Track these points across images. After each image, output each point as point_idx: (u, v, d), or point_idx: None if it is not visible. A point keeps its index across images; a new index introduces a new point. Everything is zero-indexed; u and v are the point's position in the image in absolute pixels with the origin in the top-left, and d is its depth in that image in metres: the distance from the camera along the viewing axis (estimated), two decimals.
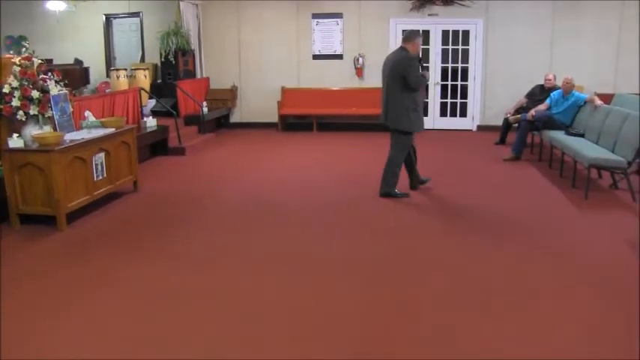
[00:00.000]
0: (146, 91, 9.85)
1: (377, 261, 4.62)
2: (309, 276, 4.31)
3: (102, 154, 6.06)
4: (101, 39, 12.86)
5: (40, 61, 5.72)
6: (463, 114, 11.52)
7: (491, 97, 11.31)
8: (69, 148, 5.48)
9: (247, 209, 6.14)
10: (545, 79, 9.47)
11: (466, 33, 11.20)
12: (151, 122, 8.92)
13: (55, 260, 4.68)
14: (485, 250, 4.81)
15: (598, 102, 7.62)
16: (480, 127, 11.42)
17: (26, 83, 5.41)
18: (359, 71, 11.57)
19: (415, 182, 6.77)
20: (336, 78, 11.67)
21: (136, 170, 6.78)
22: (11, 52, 6.14)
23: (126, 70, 11.11)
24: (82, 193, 5.72)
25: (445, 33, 11.26)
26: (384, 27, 11.38)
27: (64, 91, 5.93)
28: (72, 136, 5.78)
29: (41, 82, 5.57)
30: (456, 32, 11.24)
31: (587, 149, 6.64)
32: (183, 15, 11.28)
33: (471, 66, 11.32)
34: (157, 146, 9.07)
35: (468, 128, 11.47)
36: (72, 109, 6.13)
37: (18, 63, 5.49)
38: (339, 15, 11.51)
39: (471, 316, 3.62)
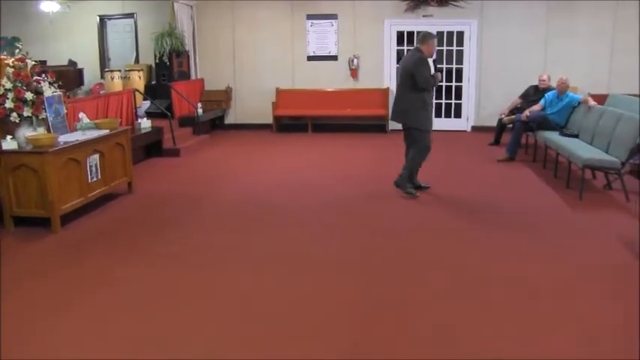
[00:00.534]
0: (140, 93, 9.83)
1: (374, 260, 4.62)
2: (308, 275, 4.31)
3: (96, 156, 6.04)
4: (95, 40, 12.81)
5: (33, 63, 5.71)
6: (457, 115, 11.54)
7: (486, 98, 11.34)
8: (63, 149, 5.46)
9: (243, 210, 6.14)
10: (540, 80, 9.50)
11: (460, 34, 11.22)
12: (145, 124, 8.89)
13: (50, 261, 4.66)
14: (480, 251, 4.82)
15: (592, 102, 7.64)
16: (475, 128, 11.44)
17: (20, 85, 5.39)
18: (354, 72, 11.58)
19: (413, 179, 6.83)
20: (331, 79, 11.68)
21: (130, 172, 6.77)
22: (4, 53, 6.10)
23: (120, 71, 11.07)
24: (76, 195, 5.70)
25: (439, 34, 11.25)
26: (378, 28, 11.39)
27: (58, 92, 5.92)
28: (66, 138, 5.76)
29: (35, 83, 5.55)
30: (450, 33, 11.26)
31: (581, 150, 6.66)
32: (178, 16, 11.27)
33: (465, 67, 11.34)
34: (151, 148, 9.05)
35: (463, 129, 11.49)
36: (66, 111, 6.12)
37: (11, 64, 5.47)
38: (333, 16, 11.51)
39: (470, 315, 3.63)
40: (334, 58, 11.67)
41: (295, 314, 3.69)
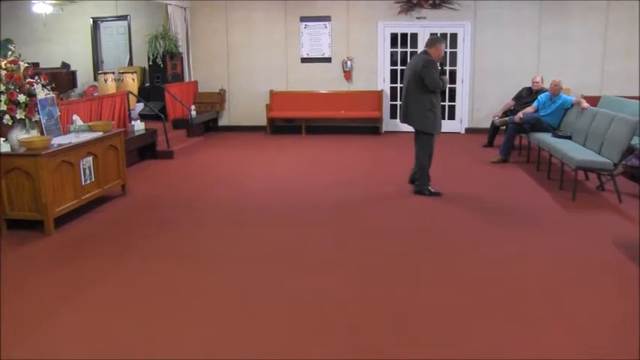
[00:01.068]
0: (134, 95, 9.81)
1: (370, 260, 4.62)
2: (303, 276, 4.32)
3: (90, 158, 6.03)
4: (89, 42, 12.79)
5: (26, 65, 5.68)
6: (451, 117, 11.56)
7: (480, 100, 11.37)
8: (56, 152, 5.44)
9: (238, 211, 6.13)
10: (533, 82, 9.54)
11: (454, 36, 11.25)
12: (139, 126, 8.89)
13: (44, 264, 4.65)
14: (474, 251, 4.83)
15: (585, 104, 7.68)
16: (468, 130, 11.48)
17: (12, 87, 5.37)
18: (347, 74, 11.59)
19: (413, 177, 6.91)
20: (325, 81, 11.68)
21: (124, 174, 6.75)
22: None
23: (114, 73, 11.04)
24: (70, 198, 5.68)
25: (433, 36, 11.27)
26: (372, 30, 11.41)
27: (51, 94, 5.90)
28: (59, 140, 5.74)
29: (28, 85, 5.53)
30: (443, 35, 11.26)
31: (574, 151, 6.69)
32: (171, 18, 11.25)
33: (459, 69, 11.37)
34: (145, 150, 9.04)
35: (457, 131, 11.52)
36: (59, 113, 6.09)
37: (4, 66, 5.44)
38: (327, 18, 11.52)
39: (465, 315, 3.64)
40: (328, 60, 11.68)
41: (292, 314, 3.69)
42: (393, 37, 11.46)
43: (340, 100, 11.57)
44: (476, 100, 11.41)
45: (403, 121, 6.75)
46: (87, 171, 5.97)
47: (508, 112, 9.57)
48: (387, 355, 3.21)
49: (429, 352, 3.22)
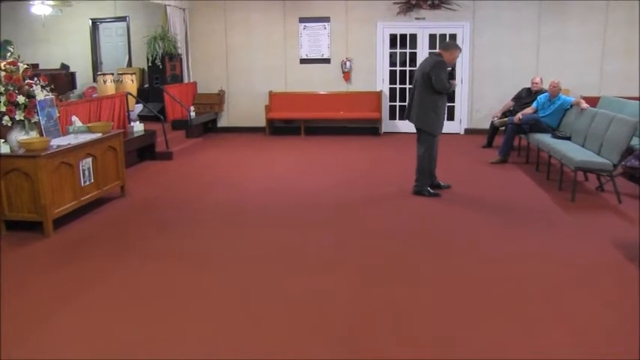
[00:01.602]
0: (133, 96, 9.80)
1: (370, 261, 4.62)
2: (302, 277, 4.31)
3: (89, 160, 6.02)
4: (88, 43, 12.79)
5: (25, 66, 5.67)
6: (450, 117, 11.53)
7: (479, 101, 11.37)
8: (55, 153, 5.44)
9: (237, 213, 6.13)
10: (532, 83, 9.54)
11: (453, 37, 11.24)
12: (138, 127, 8.88)
13: (43, 265, 4.65)
14: (473, 252, 4.83)
15: (584, 105, 7.68)
16: (468, 131, 11.48)
17: (12, 88, 5.36)
18: (346, 75, 11.58)
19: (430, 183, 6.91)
20: (324, 82, 11.68)
21: (123, 175, 6.75)
22: None
23: (113, 74, 11.04)
24: (69, 199, 5.68)
25: (432, 37, 11.29)
26: (371, 31, 11.41)
27: (51, 96, 5.89)
28: (58, 142, 5.74)
29: (27, 87, 5.53)
30: (443, 36, 11.28)
31: (573, 152, 6.69)
32: (170, 19, 11.25)
33: (457, 69, 11.31)
34: (144, 151, 9.03)
35: (456, 132, 11.51)
36: (58, 115, 6.09)
37: (3, 68, 5.44)
38: (326, 19, 11.52)
39: (464, 315, 3.64)
40: (327, 61, 11.68)
41: (292, 315, 3.70)
42: (392, 37, 11.46)
43: (339, 101, 11.56)
44: (475, 100, 11.41)
45: (406, 117, 6.85)
46: (86, 172, 5.96)
47: (507, 113, 9.58)
48: (386, 356, 3.21)
49: (428, 353, 3.23)
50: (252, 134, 11.72)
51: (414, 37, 11.35)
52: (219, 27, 11.80)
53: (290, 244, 5.11)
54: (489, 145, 9.84)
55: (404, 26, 11.29)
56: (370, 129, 11.64)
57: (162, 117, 9.65)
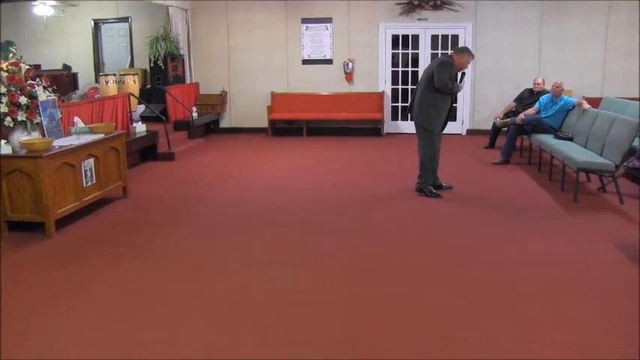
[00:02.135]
0: (135, 97, 9.81)
1: (369, 262, 4.62)
2: (302, 278, 4.31)
3: (91, 160, 6.03)
4: (90, 44, 12.80)
5: (27, 67, 5.69)
6: (452, 118, 11.52)
7: (481, 102, 11.37)
8: (57, 154, 5.45)
9: (238, 214, 6.13)
10: (534, 83, 9.53)
11: (455, 37, 11.24)
12: (140, 128, 8.89)
13: (45, 266, 4.65)
14: (474, 252, 4.82)
15: (586, 105, 7.67)
16: (470, 132, 11.47)
17: (14, 89, 5.37)
18: (348, 76, 11.58)
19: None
20: (326, 83, 11.68)
21: (125, 176, 6.75)
22: None
23: (115, 75, 11.06)
24: (71, 200, 5.68)
25: (434, 38, 11.29)
26: (373, 32, 11.40)
27: (53, 96, 5.89)
28: (60, 142, 5.74)
29: (29, 87, 5.54)
30: (445, 37, 11.28)
31: (575, 153, 6.68)
32: (172, 20, 11.26)
33: None
34: (146, 152, 9.04)
35: (458, 132, 11.50)
36: (60, 115, 6.09)
37: (5, 68, 5.45)
38: (328, 20, 11.52)
39: (463, 316, 3.63)
40: (329, 61, 11.68)
41: (291, 316, 3.69)
42: (394, 38, 11.46)
43: (341, 102, 11.56)
44: (477, 101, 11.41)
45: (409, 112, 6.96)
46: (88, 173, 5.96)
47: (509, 114, 9.57)
48: (387, 356, 3.21)
49: (428, 353, 3.22)
50: (255, 135, 11.72)
51: (416, 37, 11.35)
52: (222, 28, 11.81)
53: (291, 245, 5.11)
54: (491, 145, 9.83)
55: (406, 27, 11.28)
56: (372, 130, 11.64)
57: (164, 118, 9.66)
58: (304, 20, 11.60)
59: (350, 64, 11.54)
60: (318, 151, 9.88)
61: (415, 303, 3.90)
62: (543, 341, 3.33)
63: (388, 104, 11.66)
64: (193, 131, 10.69)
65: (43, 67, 11.21)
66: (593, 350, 3.23)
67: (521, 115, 8.51)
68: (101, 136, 6.29)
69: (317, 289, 4.14)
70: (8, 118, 5.34)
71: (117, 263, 4.69)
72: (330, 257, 4.78)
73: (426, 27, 11.24)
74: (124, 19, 12.55)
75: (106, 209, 6.32)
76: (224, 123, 12.22)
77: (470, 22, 11.10)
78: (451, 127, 11.29)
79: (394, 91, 11.67)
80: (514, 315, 3.68)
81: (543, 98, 8.56)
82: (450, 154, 9.15)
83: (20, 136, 5.45)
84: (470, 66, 11.03)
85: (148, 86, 11.80)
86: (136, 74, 11.32)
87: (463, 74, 6.72)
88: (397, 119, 11.69)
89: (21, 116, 5.42)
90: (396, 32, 11.42)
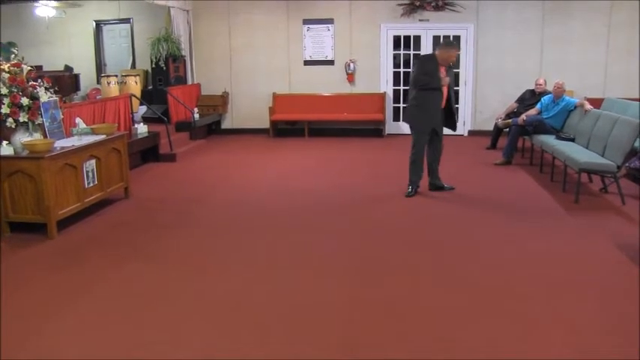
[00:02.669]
0: (137, 98, 9.82)
1: (370, 263, 4.62)
2: (303, 278, 4.31)
3: (93, 161, 6.03)
4: (91, 45, 12.83)
5: (29, 68, 5.70)
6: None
7: (482, 102, 11.36)
8: (59, 155, 5.45)
9: (240, 215, 6.13)
10: (536, 84, 9.52)
11: (457, 38, 11.22)
12: (141, 129, 8.90)
13: (46, 267, 4.65)
14: (475, 253, 4.82)
15: (588, 106, 7.66)
16: (471, 132, 11.46)
17: (15, 90, 5.37)
18: (350, 77, 11.58)
19: (431, 184, 6.93)
20: (328, 84, 11.68)
21: (127, 177, 6.75)
22: (0, 58, 6.09)
23: (116, 76, 11.08)
24: (72, 201, 5.69)
25: (436, 38, 11.27)
26: (375, 32, 11.40)
27: (54, 97, 5.90)
28: (62, 143, 5.75)
29: (31, 88, 5.54)
30: (446, 37, 11.25)
31: (577, 154, 6.67)
32: (174, 21, 11.26)
33: (461, 71, 11.35)
34: (148, 153, 9.04)
35: (460, 133, 11.45)
36: (62, 116, 6.10)
37: (7, 69, 5.45)
38: (330, 20, 11.52)
39: (464, 317, 3.63)
40: (331, 62, 11.68)
41: (291, 316, 3.69)
42: (396, 39, 11.46)
43: (343, 103, 11.56)
44: (479, 102, 11.40)
45: None
46: (90, 174, 5.97)
47: (511, 114, 9.55)
48: (387, 356, 3.21)
49: (428, 353, 3.22)
50: (256, 136, 11.72)
51: (417, 38, 11.35)
52: (223, 28, 11.82)
53: (292, 246, 5.11)
54: (493, 146, 9.83)
55: (408, 28, 11.28)
56: (374, 130, 11.63)
57: (165, 119, 9.66)
58: (306, 21, 11.60)
59: (351, 65, 11.54)
60: (319, 152, 9.88)
61: (415, 303, 3.90)
62: (543, 341, 3.33)
63: (390, 105, 11.66)
64: (195, 132, 10.70)
65: (44, 68, 11.23)
66: (593, 350, 3.23)
67: (523, 116, 8.50)
68: (103, 137, 6.29)
69: (318, 290, 4.14)
70: (10, 119, 5.35)
71: (118, 264, 4.69)
72: (330, 258, 4.78)
73: (427, 28, 11.24)
74: (126, 20, 12.57)
75: (107, 210, 6.32)
76: (226, 124, 12.23)
77: (472, 23, 11.10)
78: None
79: (396, 92, 11.66)
80: (514, 315, 3.68)
81: (545, 99, 8.56)
82: (452, 155, 9.14)
83: (22, 137, 5.46)
84: (471, 67, 11.19)
85: (150, 87, 11.81)
86: (138, 75, 11.33)
87: (449, 69, 6.61)
88: (399, 120, 11.66)
89: (23, 117, 5.42)
90: (397, 33, 11.42)
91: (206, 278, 4.39)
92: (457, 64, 11.30)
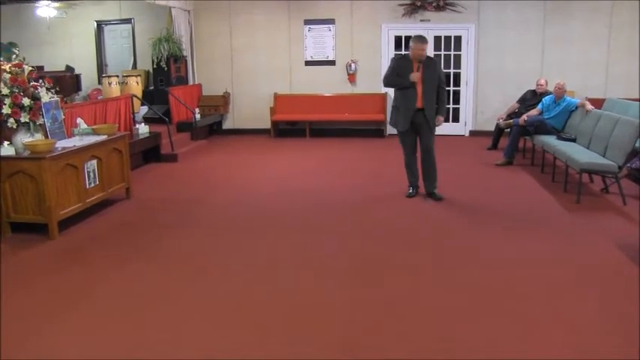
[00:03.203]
0: (138, 98, 9.82)
1: (370, 263, 4.62)
2: (304, 279, 4.31)
3: (94, 162, 6.04)
4: (93, 46, 12.82)
5: (30, 68, 5.70)
6: (455, 119, 11.54)
7: (484, 103, 11.36)
8: (60, 155, 5.45)
9: (241, 215, 6.13)
10: (537, 85, 9.51)
11: (458, 38, 11.24)
12: (143, 129, 8.91)
13: (47, 267, 4.66)
14: (477, 254, 4.82)
15: (589, 107, 7.66)
16: (473, 133, 11.45)
17: (17, 90, 5.38)
18: (351, 77, 11.58)
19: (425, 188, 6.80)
20: (329, 84, 11.67)
21: (128, 177, 6.76)
22: (1, 58, 6.10)
23: (118, 76, 11.07)
24: (74, 201, 5.69)
25: (437, 39, 11.28)
26: (376, 33, 11.40)
27: (56, 98, 5.91)
28: (63, 144, 5.75)
29: (32, 89, 5.55)
30: (448, 38, 11.28)
31: (578, 154, 6.67)
32: (175, 21, 11.27)
33: (463, 71, 11.35)
34: (149, 153, 9.05)
35: (461, 134, 11.49)
36: (63, 117, 6.11)
37: (8, 70, 5.46)
38: (331, 21, 11.52)
39: (465, 317, 3.63)
40: (332, 63, 11.68)
41: (292, 316, 3.70)
42: (397, 39, 11.45)
43: (344, 103, 11.56)
44: (480, 102, 11.39)
45: None
46: (91, 174, 5.97)
47: (512, 115, 9.55)
48: (387, 356, 3.21)
49: (428, 353, 3.23)
50: (257, 136, 11.73)
51: None
52: (224, 29, 11.82)
53: (293, 246, 5.12)
54: (494, 146, 9.82)
55: (409, 28, 11.24)
56: (375, 131, 11.63)
57: (167, 119, 9.66)
58: (307, 21, 11.60)
59: (353, 66, 11.54)
60: (320, 153, 9.88)
61: (415, 303, 3.90)
62: (543, 341, 3.33)
63: (391, 106, 11.62)
64: (196, 132, 10.70)
65: (46, 69, 11.24)
66: (593, 350, 3.23)
67: (524, 117, 8.49)
68: (104, 137, 6.30)
69: (318, 290, 4.14)
70: (11, 120, 5.35)
71: (120, 264, 4.70)
72: (331, 258, 4.78)
73: (428, 28, 11.22)
74: (127, 21, 12.57)
75: (108, 210, 6.33)
76: (227, 124, 12.23)
77: (473, 23, 11.10)
78: (454, 128, 11.37)
79: None
80: (514, 315, 3.68)
81: (546, 99, 8.55)
82: (453, 156, 9.16)
83: (23, 138, 5.46)
84: (472, 67, 11.18)
85: (151, 87, 11.80)
86: (139, 75, 11.31)
87: (420, 63, 6.41)
88: None
89: (24, 118, 5.43)
90: (398, 33, 11.41)
91: (207, 278, 4.40)
92: (458, 65, 11.34)
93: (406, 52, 6.45)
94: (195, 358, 3.23)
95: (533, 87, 9.70)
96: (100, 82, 11.88)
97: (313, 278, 4.37)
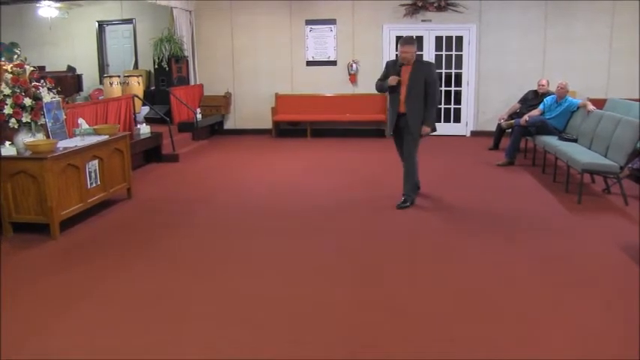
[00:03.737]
0: (139, 98, 9.83)
1: (372, 264, 4.62)
2: (305, 279, 4.31)
3: (95, 162, 6.04)
4: (94, 46, 12.84)
5: (32, 68, 5.70)
6: (457, 119, 11.54)
7: (485, 103, 11.35)
8: (62, 155, 5.46)
9: (242, 216, 6.13)
10: (539, 85, 9.51)
11: (459, 39, 11.23)
12: (144, 129, 8.91)
13: (49, 267, 4.66)
14: (478, 254, 4.81)
15: (590, 107, 7.65)
16: (474, 133, 11.45)
17: (18, 91, 5.39)
18: (352, 77, 11.58)
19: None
20: (330, 84, 11.68)
21: (129, 177, 6.76)
22: (3, 59, 6.11)
23: (119, 77, 11.09)
24: (75, 201, 5.69)
25: (439, 39, 11.28)
26: (377, 33, 11.40)
27: (57, 98, 5.92)
28: (65, 144, 5.76)
29: (33, 89, 5.55)
30: (449, 38, 11.27)
31: (580, 154, 6.67)
32: (177, 21, 11.27)
33: (464, 71, 11.35)
34: (150, 153, 9.05)
35: (462, 134, 11.48)
36: (65, 117, 6.12)
37: (10, 70, 5.47)
38: (332, 21, 11.52)
39: (467, 318, 3.63)
40: (333, 63, 11.68)
41: (292, 316, 3.70)
42: (399, 40, 11.40)
43: (345, 103, 11.56)
44: (481, 102, 11.39)
45: None
46: (92, 174, 5.98)
47: (514, 115, 9.55)
48: (387, 356, 3.22)
49: (428, 353, 3.23)
50: (259, 136, 11.73)
51: (420, 39, 11.30)
52: (226, 29, 11.82)
53: (294, 247, 5.12)
54: (496, 147, 9.82)
55: (410, 28, 11.24)
56: (376, 131, 11.63)
57: (168, 119, 9.67)
58: (308, 22, 11.60)
59: (354, 66, 11.54)
60: (321, 153, 9.88)
61: (415, 303, 3.90)
62: (544, 341, 3.33)
63: None
64: (197, 133, 10.71)
65: (47, 69, 11.26)
66: (593, 350, 3.23)
67: (526, 117, 8.49)
68: (105, 137, 6.30)
69: (318, 290, 4.14)
70: (13, 120, 5.36)
71: (121, 264, 4.70)
72: (332, 258, 4.78)
73: (430, 28, 11.23)
74: (129, 21, 12.59)
75: (110, 211, 6.33)
76: (228, 124, 12.24)
77: (474, 24, 11.09)
78: (455, 129, 11.37)
79: None
80: (514, 315, 3.68)
81: (548, 99, 8.55)
82: (454, 156, 9.16)
83: (25, 138, 5.47)
84: (474, 67, 11.17)
85: (152, 88, 11.81)
86: (140, 76, 11.33)
87: (401, 66, 6.31)
88: None
89: (25, 118, 5.44)
90: (400, 33, 11.33)
91: (208, 278, 4.40)
92: (460, 65, 11.33)
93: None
94: (197, 359, 3.23)
95: (534, 87, 9.70)
96: (101, 83, 11.89)
97: (313, 278, 4.37)
